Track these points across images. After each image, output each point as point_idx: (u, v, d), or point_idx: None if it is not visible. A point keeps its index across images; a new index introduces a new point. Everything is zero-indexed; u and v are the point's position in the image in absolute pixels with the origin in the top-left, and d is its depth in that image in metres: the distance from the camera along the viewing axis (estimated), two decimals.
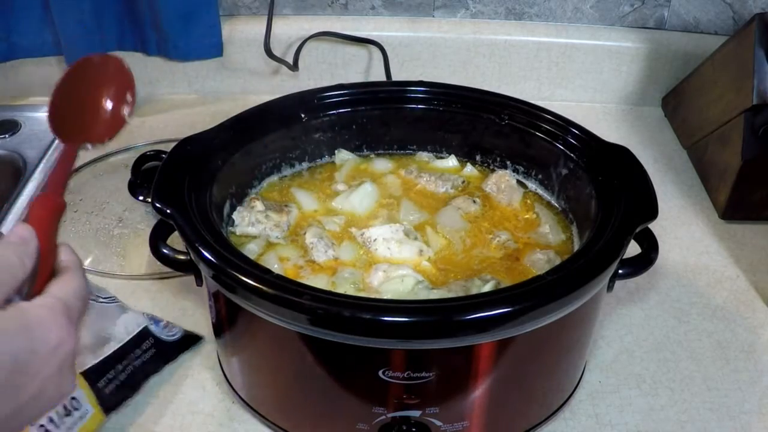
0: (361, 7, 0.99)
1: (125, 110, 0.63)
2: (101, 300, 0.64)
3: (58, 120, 0.63)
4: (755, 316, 0.70)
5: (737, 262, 0.76)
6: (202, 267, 0.51)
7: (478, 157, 0.70)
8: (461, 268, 0.59)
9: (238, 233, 0.61)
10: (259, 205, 0.62)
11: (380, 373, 0.48)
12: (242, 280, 0.47)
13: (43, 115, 0.98)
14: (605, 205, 0.56)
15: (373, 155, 0.72)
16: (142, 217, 0.78)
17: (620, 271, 0.54)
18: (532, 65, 0.99)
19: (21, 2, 0.93)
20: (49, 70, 1.00)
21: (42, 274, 0.44)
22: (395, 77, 0.97)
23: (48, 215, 0.51)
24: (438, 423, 0.52)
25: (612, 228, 0.53)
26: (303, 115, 0.67)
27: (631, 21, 0.99)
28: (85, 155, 0.87)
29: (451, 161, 0.71)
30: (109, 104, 0.64)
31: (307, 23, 0.98)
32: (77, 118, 0.64)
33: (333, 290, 0.55)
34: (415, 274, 0.57)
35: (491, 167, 0.70)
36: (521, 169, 0.68)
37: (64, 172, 0.57)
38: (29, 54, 0.98)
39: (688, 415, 0.60)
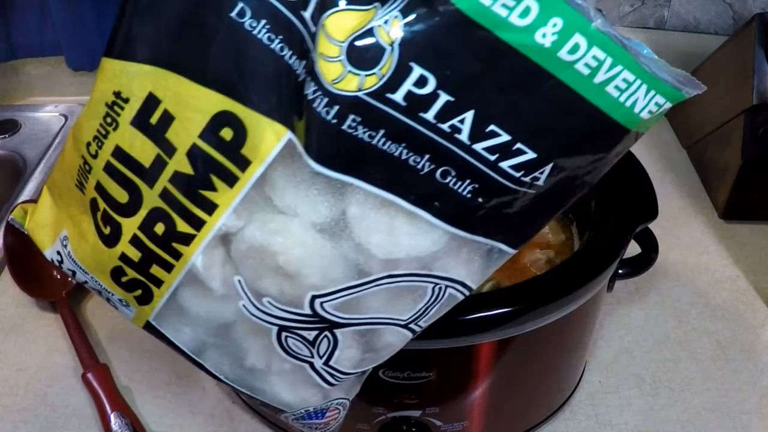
0: None
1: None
2: None
3: (21, 277, 0.67)
4: (755, 316, 0.70)
5: (737, 262, 0.76)
6: None
7: None
8: None
9: None
10: None
11: (380, 372, 0.48)
12: None
13: (43, 115, 0.99)
14: (605, 205, 0.56)
15: None
16: None
17: (620, 271, 0.54)
18: None
19: (21, 2, 0.94)
20: (49, 70, 1.00)
21: None
22: None
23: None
24: (438, 423, 0.52)
25: (612, 228, 0.53)
26: None
27: (631, 21, 0.99)
28: None
29: None
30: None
31: None
32: (35, 275, 0.70)
33: None
34: None
35: None
36: None
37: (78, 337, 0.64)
38: (29, 54, 0.98)
39: (688, 415, 0.60)
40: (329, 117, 0.36)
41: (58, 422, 0.59)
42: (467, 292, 0.43)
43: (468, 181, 0.38)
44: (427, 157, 0.38)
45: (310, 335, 0.42)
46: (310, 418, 0.47)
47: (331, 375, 0.44)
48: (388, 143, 0.37)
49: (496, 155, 0.38)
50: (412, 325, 0.43)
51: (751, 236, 0.79)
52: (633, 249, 0.54)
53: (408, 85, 0.36)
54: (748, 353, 0.66)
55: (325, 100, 0.36)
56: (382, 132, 0.37)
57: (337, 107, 0.36)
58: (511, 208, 0.40)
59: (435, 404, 0.51)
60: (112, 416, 0.57)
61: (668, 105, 0.40)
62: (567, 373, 0.58)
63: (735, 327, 0.68)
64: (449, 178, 0.38)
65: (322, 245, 0.39)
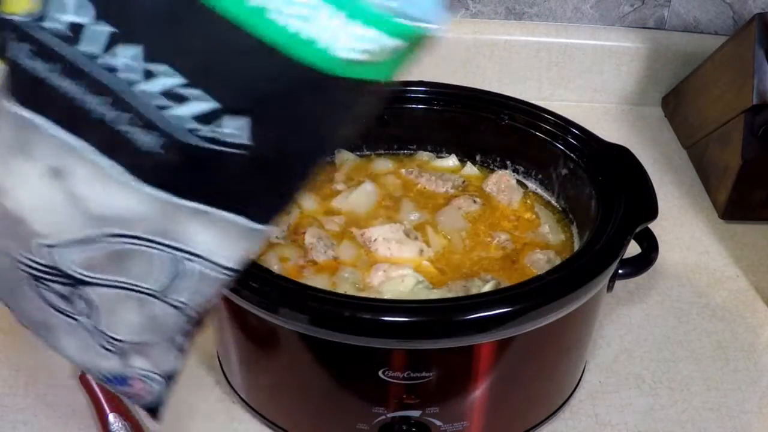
0: None
1: None
2: None
3: None
4: (755, 316, 0.70)
5: (737, 262, 0.76)
6: None
7: (478, 157, 0.70)
8: (461, 268, 0.59)
9: None
10: None
11: (380, 373, 0.48)
12: (242, 279, 0.47)
13: None
14: (605, 205, 0.56)
15: (373, 155, 0.72)
16: None
17: (620, 271, 0.54)
18: (532, 65, 0.99)
19: None
20: None
21: None
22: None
23: None
24: (438, 423, 0.52)
25: (612, 228, 0.53)
26: None
27: (631, 21, 0.99)
28: None
29: (451, 161, 0.71)
30: None
31: None
32: None
33: (333, 290, 0.55)
34: (416, 274, 0.57)
35: (491, 167, 0.70)
36: (521, 169, 0.68)
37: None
38: None
39: (688, 415, 0.60)
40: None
41: (58, 422, 0.59)
42: (226, 272, 0.37)
43: (157, 134, 0.33)
44: (105, 99, 0.33)
45: (63, 290, 0.38)
46: (112, 383, 0.43)
47: (106, 340, 0.39)
48: (60, 79, 0.33)
49: (174, 102, 0.32)
50: (170, 300, 0.37)
51: (751, 236, 0.79)
52: (633, 249, 0.54)
53: (69, 14, 0.32)
54: (748, 353, 0.66)
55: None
56: (50, 65, 0.33)
57: (1, 32, 0.33)
58: (223, 172, 0.34)
59: (435, 404, 0.51)
60: (110, 417, 0.57)
61: (387, 40, 0.28)
62: (567, 373, 0.58)
63: (735, 327, 0.68)
64: (134, 128, 0.33)
65: (51, 193, 0.35)
